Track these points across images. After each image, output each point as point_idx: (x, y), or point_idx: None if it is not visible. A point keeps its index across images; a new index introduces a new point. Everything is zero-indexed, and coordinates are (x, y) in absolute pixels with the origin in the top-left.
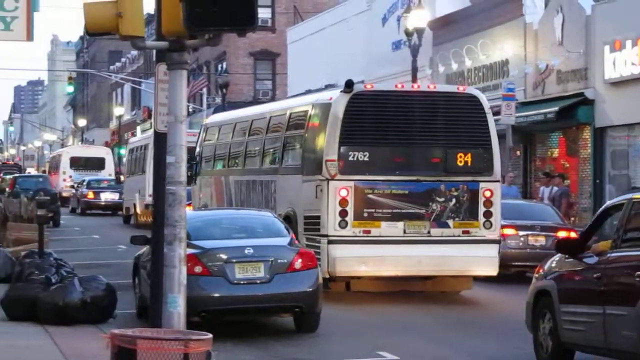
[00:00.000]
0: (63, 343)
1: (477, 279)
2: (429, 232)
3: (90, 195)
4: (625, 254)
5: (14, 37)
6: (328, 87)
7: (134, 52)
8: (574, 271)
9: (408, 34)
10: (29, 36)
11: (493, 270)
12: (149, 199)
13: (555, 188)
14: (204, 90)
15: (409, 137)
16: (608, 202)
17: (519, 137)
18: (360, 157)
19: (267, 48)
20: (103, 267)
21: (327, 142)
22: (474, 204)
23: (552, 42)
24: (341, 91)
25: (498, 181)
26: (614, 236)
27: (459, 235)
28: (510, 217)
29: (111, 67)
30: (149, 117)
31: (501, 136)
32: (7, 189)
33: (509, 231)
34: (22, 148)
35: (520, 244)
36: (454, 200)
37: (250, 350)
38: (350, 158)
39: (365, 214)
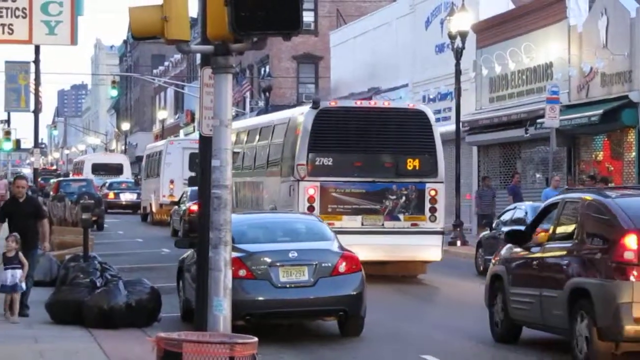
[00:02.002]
0: (108, 346)
1: None
2: (383, 225)
3: (111, 195)
4: (557, 245)
5: (58, 41)
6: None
7: (177, 56)
8: (520, 259)
9: (451, 37)
10: (73, 40)
11: (437, 256)
12: (163, 199)
13: None
14: (247, 93)
15: (367, 145)
16: (548, 201)
17: (563, 140)
18: (326, 162)
19: (310, 51)
20: (147, 270)
21: (298, 149)
22: (421, 201)
23: (597, 45)
24: (310, 107)
25: (442, 182)
26: (550, 229)
27: (408, 227)
28: None
29: (154, 71)
30: (192, 120)
31: (545, 139)
32: (51, 193)
33: None
34: (66, 152)
35: None
36: (404, 198)
37: (295, 354)
38: (317, 162)
39: (330, 209)
